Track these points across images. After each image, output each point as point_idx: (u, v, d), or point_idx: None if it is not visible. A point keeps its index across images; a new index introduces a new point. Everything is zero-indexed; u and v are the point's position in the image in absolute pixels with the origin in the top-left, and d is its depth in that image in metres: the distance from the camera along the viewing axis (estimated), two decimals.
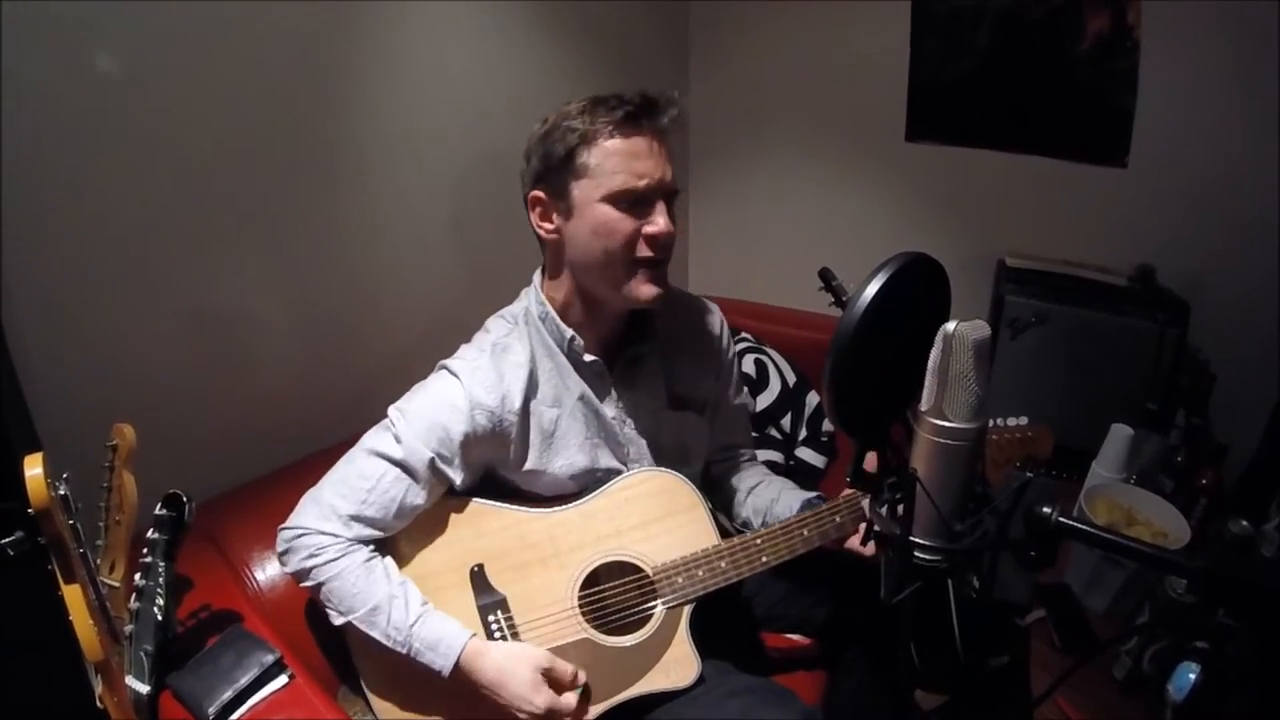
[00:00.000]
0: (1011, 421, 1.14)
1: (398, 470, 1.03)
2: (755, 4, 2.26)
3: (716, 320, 1.29)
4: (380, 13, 1.53)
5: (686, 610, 1.10)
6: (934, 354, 0.71)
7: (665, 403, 1.21)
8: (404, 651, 0.98)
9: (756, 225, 2.47)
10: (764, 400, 1.98)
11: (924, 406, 0.72)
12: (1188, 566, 0.67)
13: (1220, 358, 1.74)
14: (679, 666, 1.08)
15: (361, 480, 1.02)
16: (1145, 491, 1.41)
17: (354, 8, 1.49)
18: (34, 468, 0.73)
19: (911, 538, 0.74)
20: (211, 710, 0.94)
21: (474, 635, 1.01)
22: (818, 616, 1.30)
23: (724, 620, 1.19)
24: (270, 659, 1.01)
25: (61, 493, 0.80)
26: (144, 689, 0.92)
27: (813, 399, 2.02)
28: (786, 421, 1.98)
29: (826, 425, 2.01)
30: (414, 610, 1.00)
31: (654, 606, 1.09)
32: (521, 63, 1.89)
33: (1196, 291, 1.78)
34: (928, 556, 0.75)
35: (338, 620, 1.01)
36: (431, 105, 1.69)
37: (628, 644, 1.08)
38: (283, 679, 1.01)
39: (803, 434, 1.99)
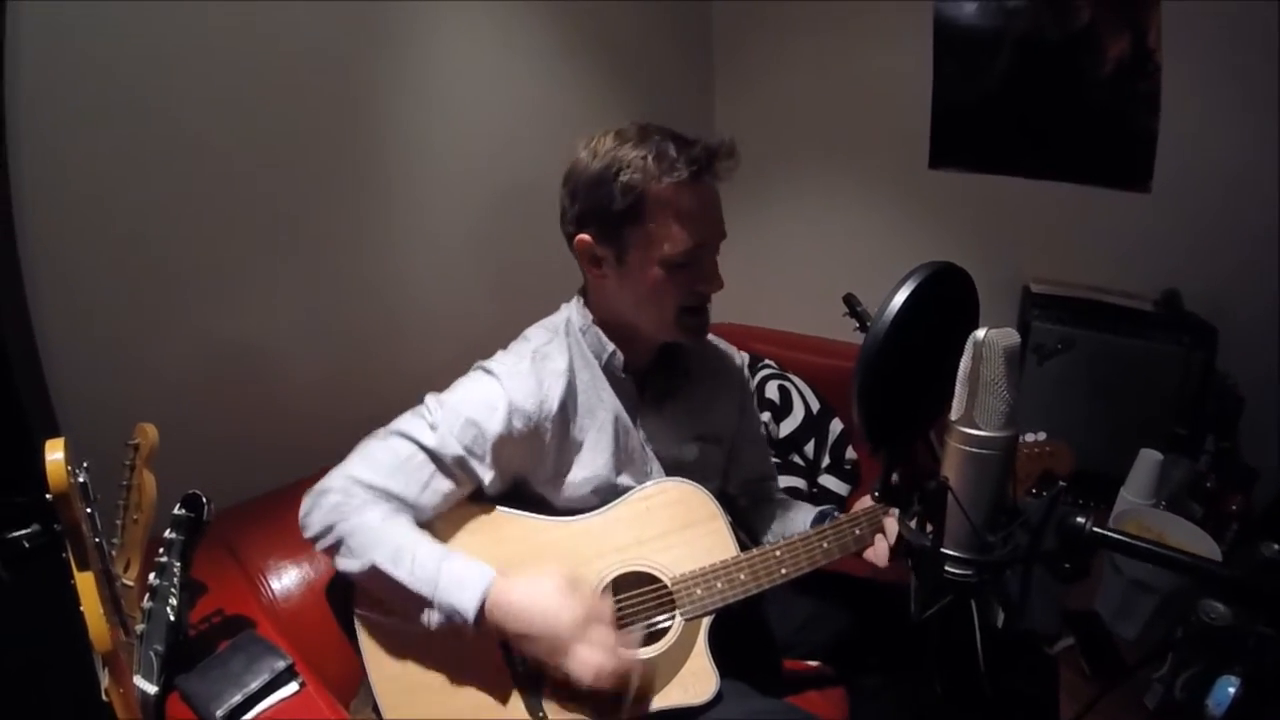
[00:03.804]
0: (1030, 437, 1.13)
1: (425, 455, 1.02)
2: (779, 29, 2.29)
3: (737, 357, 1.35)
4: (406, 34, 1.57)
5: (705, 622, 1.08)
6: (964, 362, 0.70)
7: (689, 436, 1.23)
8: (428, 592, 0.94)
9: (780, 251, 2.46)
10: (787, 426, 1.96)
11: (954, 416, 0.71)
12: (1225, 575, 0.65)
13: (1248, 381, 1.71)
14: (697, 680, 1.06)
15: (393, 456, 1.02)
16: (1175, 516, 1.37)
17: (381, 30, 1.52)
18: (55, 452, 0.72)
19: (943, 549, 0.72)
20: (219, 713, 0.92)
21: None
22: (840, 644, 1.27)
23: (744, 643, 1.17)
24: (281, 665, 1.00)
25: (80, 480, 0.79)
26: (152, 689, 0.91)
27: (836, 426, 2.01)
28: (810, 448, 1.97)
29: (849, 453, 2.00)
30: (440, 550, 0.98)
31: (672, 618, 1.08)
32: (549, 84, 1.92)
33: (1223, 315, 1.75)
34: (959, 570, 0.73)
35: (357, 567, 0.96)
36: (458, 126, 1.71)
37: (645, 655, 1.05)
38: (293, 686, 0.99)
39: (826, 461, 1.98)
